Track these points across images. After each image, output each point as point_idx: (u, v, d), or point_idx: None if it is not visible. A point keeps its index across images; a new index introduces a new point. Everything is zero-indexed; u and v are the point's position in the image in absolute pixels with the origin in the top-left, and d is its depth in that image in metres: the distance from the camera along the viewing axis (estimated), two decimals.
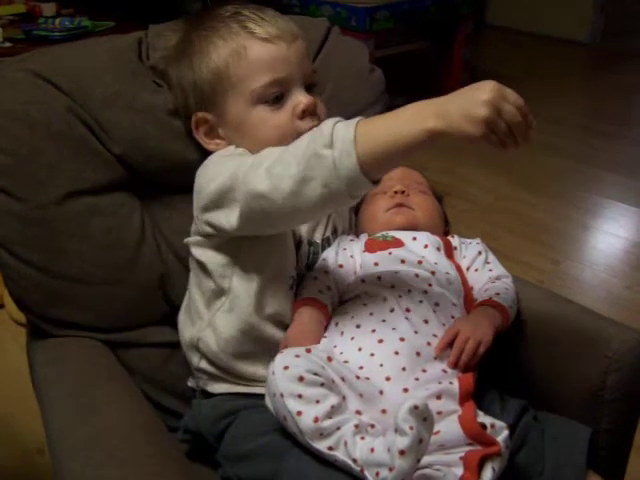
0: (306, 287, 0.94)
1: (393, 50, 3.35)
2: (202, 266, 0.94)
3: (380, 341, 0.86)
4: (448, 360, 0.86)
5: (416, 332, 0.87)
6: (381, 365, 0.84)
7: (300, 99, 0.93)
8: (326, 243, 1.02)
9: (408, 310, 0.89)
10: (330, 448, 0.76)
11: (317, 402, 0.77)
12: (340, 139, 0.75)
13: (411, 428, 0.69)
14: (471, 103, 0.71)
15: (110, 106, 0.98)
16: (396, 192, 1.05)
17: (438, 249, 1.00)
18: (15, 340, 1.81)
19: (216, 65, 0.93)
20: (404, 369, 0.83)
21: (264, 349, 0.91)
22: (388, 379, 0.82)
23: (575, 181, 2.83)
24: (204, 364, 0.94)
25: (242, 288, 0.92)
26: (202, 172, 0.93)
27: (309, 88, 0.95)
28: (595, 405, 0.91)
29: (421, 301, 0.91)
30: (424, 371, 0.84)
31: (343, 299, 0.96)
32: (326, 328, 0.92)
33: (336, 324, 0.91)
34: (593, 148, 3.13)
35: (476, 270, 1.01)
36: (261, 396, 0.84)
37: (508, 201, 2.65)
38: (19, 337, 1.75)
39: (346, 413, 0.78)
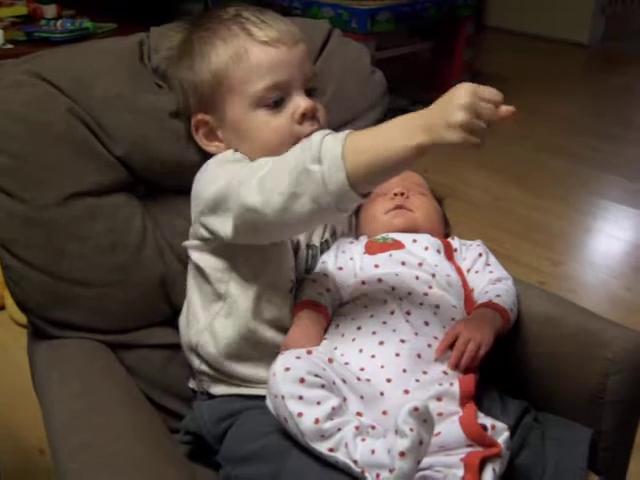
0: (305, 290, 0.95)
1: (394, 52, 3.35)
2: (200, 270, 0.94)
3: (381, 343, 0.86)
4: (449, 362, 0.86)
5: (417, 334, 0.87)
6: (382, 367, 0.84)
7: (300, 103, 0.92)
8: (325, 246, 1.02)
9: (409, 312, 0.89)
10: (331, 449, 0.76)
11: (318, 403, 0.77)
12: (329, 154, 0.75)
13: (411, 430, 0.69)
14: (448, 111, 0.70)
15: (111, 108, 0.98)
16: (396, 194, 1.05)
17: (438, 251, 1.00)
18: (16, 341, 1.81)
19: (216, 67, 0.93)
20: (405, 371, 0.83)
21: (263, 352, 0.91)
22: (389, 381, 0.82)
23: (576, 183, 2.83)
24: (204, 367, 0.95)
25: (240, 293, 0.92)
26: (199, 177, 0.93)
27: (309, 92, 0.95)
28: (596, 407, 0.91)
29: (422, 303, 0.91)
30: (425, 373, 0.84)
31: (343, 301, 0.96)
32: (326, 330, 0.92)
33: (337, 326, 0.91)
34: (593, 150, 3.13)
35: (476, 272, 1.01)
36: (262, 398, 0.84)
37: (509, 203, 2.65)
38: (20, 338, 1.74)
39: (347, 414, 0.78)
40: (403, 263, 0.97)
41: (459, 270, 1.00)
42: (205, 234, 0.91)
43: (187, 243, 0.96)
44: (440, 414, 0.80)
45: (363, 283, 0.95)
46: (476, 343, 0.86)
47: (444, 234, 1.09)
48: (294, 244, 0.97)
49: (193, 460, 0.94)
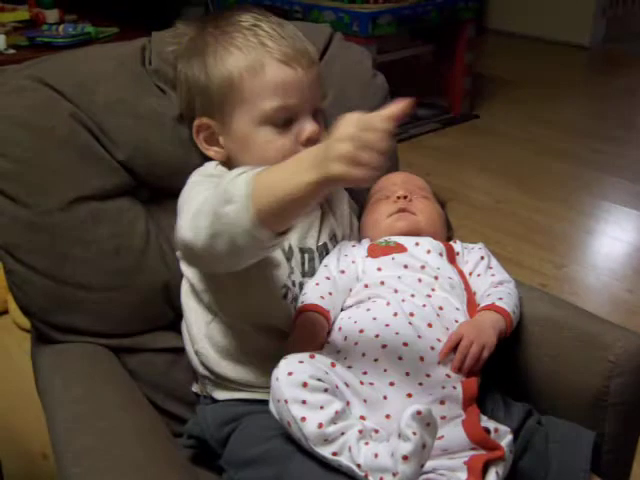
0: (307, 294, 0.94)
1: (395, 55, 3.35)
2: (189, 281, 0.95)
3: (384, 346, 0.86)
4: (452, 365, 0.86)
5: (419, 337, 0.87)
6: (385, 370, 0.84)
7: (306, 127, 0.93)
8: (323, 249, 1.01)
9: (411, 315, 0.89)
10: (334, 453, 0.76)
11: (321, 408, 0.77)
12: (238, 194, 0.74)
13: (414, 433, 0.69)
14: (332, 144, 0.67)
15: (113, 113, 0.98)
16: (398, 197, 1.05)
17: (441, 254, 1.00)
18: (20, 346, 1.81)
19: (230, 75, 0.92)
20: (408, 374, 0.83)
21: (261, 358, 0.92)
22: (392, 384, 0.82)
23: (578, 185, 2.83)
24: (206, 372, 0.95)
25: (229, 303, 0.93)
26: (183, 190, 0.93)
27: (315, 113, 0.95)
28: (599, 409, 0.91)
29: (424, 306, 0.91)
30: (428, 376, 0.84)
31: (346, 305, 0.96)
32: (329, 334, 0.92)
33: (339, 329, 0.91)
34: (596, 152, 3.13)
35: (479, 275, 1.01)
36: (265, 402, 0.84)
37: (511, 205, 2.65)
38: (24, 343, 1.74)
39: (350, 418, 0.78)
40: (406, 266, 0.97)
41: (461, 273, 1.00)
42: None
43: (178, 254, 0.97)
44: (443, 417, 0.81)
45: (366, 286, 0.96)
46: (479, 346, 0.86)
47: (447, 237, 1.09)
48: (286, 249, 0.96)
49: (196, 464, 0.94)
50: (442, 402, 0.82)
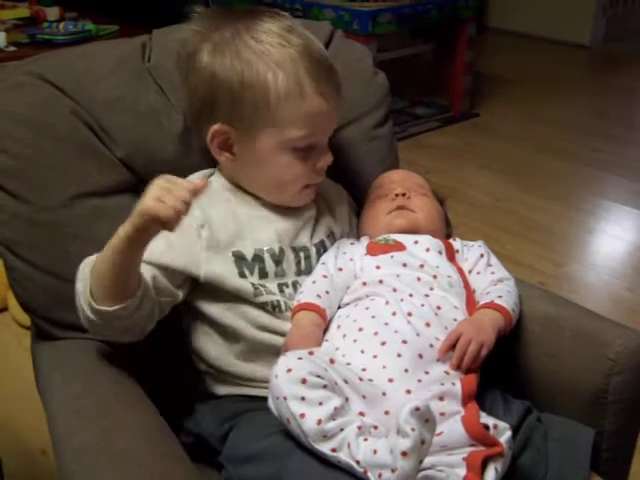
0: (304, 292, 0.95)
1: (395, 53, 3.35)
2: None
3: (383, 343, 0.86)
4: (451, 362, 0.86)
5: (418, 335, 0.87)
6: (384, 367, 0.84)
7: (326, 157, 0.96)
8: (320, 246, 1.01)
9: (410, 313, 0.89)
10: (333, 450, 0.76)
11: (320, 404, 0.77)
12: (81, 272, 0.84)
13: (413, 430, 0.69)
14: (142, 200, 0.76)
15: (113, 110, 0.98)
16: (397, 195, 1.05)
17: (440, 252, 1.00)
18: (19, 343, 1.82)
19: (267, 95, 0.89)
20: (407, 371, 0.84)
21: (260, 353, 0.92)
22: (391, 381, 0.83)
23: (578, 183, 2.83)
24: (205, 367, 0.95)
25: (209, 313, 0.94)
26: None
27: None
28: (598, 407, 0.91)
29: (423, 304, 0.91)
30: (427, 373, 0.84)
31: (344, 302, 0.96)
32: (327, 331, 0.92)
33: (338, 327, 0.92)
34: (596, 151, 3.13)
35: (478, 273, 1.01)
36: (264, 398, 0.84)
37: (510, 203, 2.65)
38: (23, 340, 1.75)
39: (349, 415, 0.78)
40: (404, 265, 0.97)
41: (461, 271, 1.00)
42: None
43: None
44: (442, 414, 0.81)
45: (364, 284, 0.96)
46: (478, 344, 0.86)
47: (446, 235, 1.09)
48: (276, 253, 0.96)
49: (196, 461, 0.93)
50: (441, 398, 0.82)
